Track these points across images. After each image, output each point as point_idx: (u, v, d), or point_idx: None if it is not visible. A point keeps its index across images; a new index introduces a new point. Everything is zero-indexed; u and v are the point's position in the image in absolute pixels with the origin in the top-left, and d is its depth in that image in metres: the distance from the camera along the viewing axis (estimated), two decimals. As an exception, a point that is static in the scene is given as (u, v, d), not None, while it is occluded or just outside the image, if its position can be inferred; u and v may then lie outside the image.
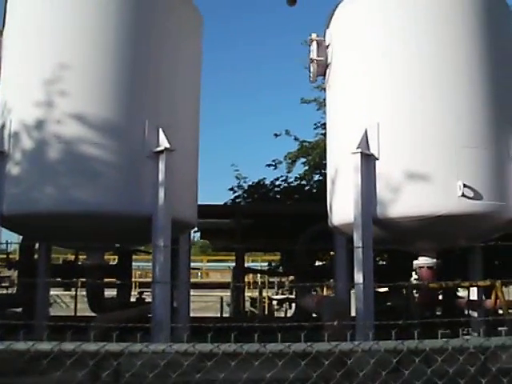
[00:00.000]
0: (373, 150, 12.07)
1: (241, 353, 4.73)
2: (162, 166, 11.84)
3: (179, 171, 12.29)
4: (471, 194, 11.70)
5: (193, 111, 13.79)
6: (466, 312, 14.95)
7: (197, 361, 5.09)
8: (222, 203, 24.36)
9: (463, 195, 11.60)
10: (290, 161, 26.79)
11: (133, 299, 16.56)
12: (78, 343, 4.61)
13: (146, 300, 15.53)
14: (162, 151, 11.86)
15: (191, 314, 15.62)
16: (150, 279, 14.19)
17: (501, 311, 12.56)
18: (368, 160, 12.01)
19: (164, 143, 11.86)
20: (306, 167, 26.16)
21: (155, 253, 11.78)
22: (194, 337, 6.55)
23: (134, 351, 4.69)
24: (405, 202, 11.71)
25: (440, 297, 14.99)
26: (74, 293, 26.33)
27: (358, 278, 11.71)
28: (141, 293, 16.95)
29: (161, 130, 11.97)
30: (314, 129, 27.07)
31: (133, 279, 20.59)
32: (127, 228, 12.13)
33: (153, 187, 11.78)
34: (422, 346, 4.70)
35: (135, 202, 11.79)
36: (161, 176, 11.81)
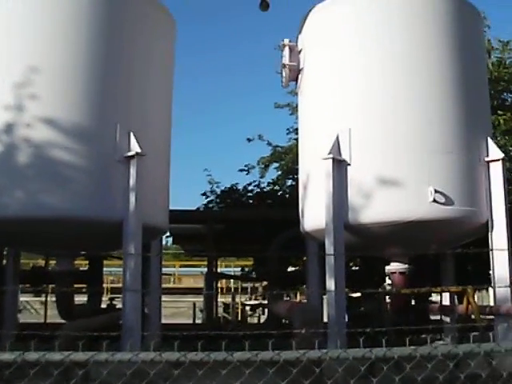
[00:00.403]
0: (344, 156, 12.08)
1: (208, 361, 4.67)
2: (133, 170, 11.73)
3: (150, 176, 12.21)
4: (442, 200, 11.74)
5: (165, 116, 13.70)
6: (439, 317, 15.02)
7: (166, 369, 5.03)
8: (195, 208, 24.30)
9: (434, 201, 11.65)
10: (262, 166, 26.81)
11: (104, 305, 16.42)
12: (42, 353, 4.52)
13: (117, 306, 15.40)
14: (133, 156, 11.75)
15: (163, 321, 15.52)
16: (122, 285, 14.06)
17: (473, 316, 12.60)
18: (339, 165, 12.01)
19: (135, 148, 11.76)
20: (279, 172, 26.19)
21: (126, 259, 11.68)
22: (165, 344, 6.48)
23: (99, 360, 4.61)
24: (376, 208, 11.73)
25: (413, 302, 15.02)
26: (44, 299, 26.09)
27: (330, 284, 11.70)
28: (112, 299, 16.82)
29: (132, 135, 11.87)
30: (287, 134, 27.13)
31: (104, 285, 20.47)
32: (98, 234, 12.00)
33: (124, 192, 11.67)
34: (391, 354, 4.66)
35: (106, 207, 11.67)
36: (132, 181, 11.70)
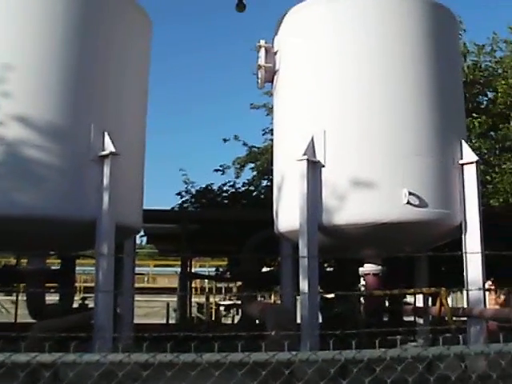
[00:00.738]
0: (319, 157, 12.08)
1: (177, 363, 4.63)
2: (106, 170, 11.68)
3: (124, 176, 12.14)
4: (416, 202, 11.79)
5: (140, 116, 13.62)
6: (413, 318, 15.06)
7: (135, 370, 4.98)
8: (169, 208, 24.23)
9: (408, 203, 11.70)
10: (238, 166, 26.80)
11: (76, 305, 16.28)
12: (8, 354, 4.45)
13: (90, 306, 15.28)
14: (107, 155, 11.70)
15: (136, 321, 15.43)
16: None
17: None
18: (314, 167, 12.02)
19: (109, 147, 11.70)
20: (255, 173, 26.19)
21: (98, 258, 11.60)
22: (137, 344, 6.43)
23: (67, 362, 4.55)
24: (350, 210, 11.75)
25: (387, 303, 15.06)
26: (15, 298, 25.84)
27: (304, 285, 11.69)
28: (84, 299, 16.68)
29: (106, 134, 11.80)
30: (263, 134, 27.18)
31: (78, 284, 20.32)
32: (71, 233, 11.91)
33: (97, 192, 11.62)
34: (360, 356, 4.65)
35: (79, 206, 11.59)
36: (105, 180, 11.65)
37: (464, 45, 26.11)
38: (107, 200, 11.54)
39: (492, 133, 23.89)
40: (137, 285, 31.69)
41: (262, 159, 24.97)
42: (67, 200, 11.51)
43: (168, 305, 27.92)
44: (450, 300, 36.46)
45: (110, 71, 12.57)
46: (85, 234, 11.60)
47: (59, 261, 15.41)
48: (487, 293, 29.86)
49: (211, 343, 5.01)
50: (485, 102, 25.82)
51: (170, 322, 26.10)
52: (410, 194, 11.71)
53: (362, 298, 13.79)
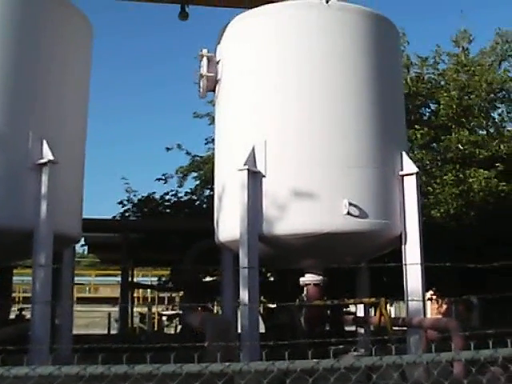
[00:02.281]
0: (260, 168, 12.08)
1: (109, 375, 4.56)
2: (45, 178, 11.51)
3: (63, 184, 11.98)
4: (357, 213, 11.84)
5: (80, 124, 13.46)
6: (354, 328, 15.12)
7: (67, 382, 4.89)
8: (110, 217, 23.98)
9: (348, 213, 11.75)
10: (181, 175, 26.69)
11: (13, 316, 15.99)
12: None
13: (27, 317, 15.02)
14: (45, 163, 11.52)
15: (76, 332, 15.21)
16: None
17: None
18: (255, 177, 12.01)
19: (48, 155, 11.53)
20: (198, 182, 26.11)
21: (35, 268, 11.40)
22: (75, 356, 6.31)
23: (-5, 375, 4.44)
24: (291, 220, 11.76)
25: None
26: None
27: (244, 295, 11.65)
28: (21, 309, 16.41)
29: (45, 142, 11.62)
30: (206, 144, 27.10)
31: (16, 294, 20.00)
32: (7, 242, 11.67)
33: (35, 200, 11.43)
34: (293, 367, 4.63)
35: (16, 215, 11.39)
36: (44, 189, 11.48)
37: (407, 57, 26.42)
38: (45, 209, 11.37)
39: (434, 144, 24.15)
40: (78, 295, 31.48)
41: (204, 168, 24.88)
42: (4, 208, 11.29)
43: (109, 315, 27.69)
44: (393, 310, 36.80)
45: (50, 78, 12.38)
46: (22, 243, 11.40)
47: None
48: (429, 302, 30.27)
49: (154, 353, 4.96)
50: (427, 114, 26.11)
51: (112, 332, 25.89)
52: (351, 204, 11.76)
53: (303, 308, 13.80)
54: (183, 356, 4.89)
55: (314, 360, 4.69)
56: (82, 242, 22.76)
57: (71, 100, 12.96)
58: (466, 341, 9.27)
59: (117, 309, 27.39)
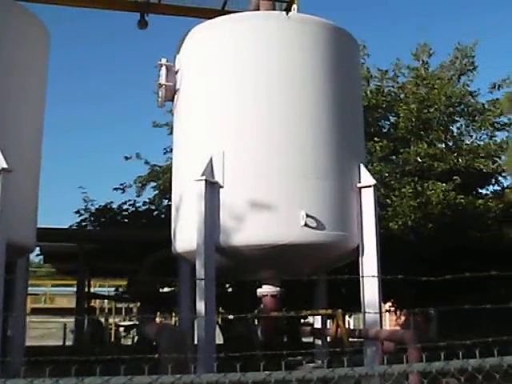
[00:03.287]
0: (217, 178, 12.01)
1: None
2: (-3, 186, 11.30)
3: (17, 192, 11.77)
4: (314, 224, 11.83)
5: (35, 132, 13.25)
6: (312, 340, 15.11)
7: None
8: (66, 227, 23.74)
9: (306, 225, 11.73)
10: (139, 185, 26.54)
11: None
12: None
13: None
14: (-1, 171, 11.33)
15: (29, 343, 14.98)
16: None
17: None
18: (212, 188, 11.94)
19: (1, 163, 11.34)
20: (156, 192, 25.96)
21: (-14, 278, 11.19)
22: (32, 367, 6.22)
23: None
24: (248, 231, 11.71)
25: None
26: None
27: (200, 306, 11.56)
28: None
29: (-1, 150, 11.44)
30: (164, 153, 27.00)
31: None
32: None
33: (-13, 208, 11.22)
34: (245, 379, 4.59)
35: (-33, 224, 11.18)
36: (-4, 197, 11.27)
37: (367, 69, 26.65)
38: (-3, 217, 11.17)
39: (393, 157, 24.33)
40: (33, 305, 31.14)
41: (163, 178, 24.74)
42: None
43: (65, 326, 27.43)
44: (352, 321, 36.86)
45: (5, 85, 12.20)
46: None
47: None
48: (387, 314, 30.40)
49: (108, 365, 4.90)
50: (387, 127, 26.33)
51: (67, 343, 25.65)
52: (308, 216, 11.74)
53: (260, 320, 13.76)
54: (136, 368, 4.83)
55: (266, 372, 4.66)
56: (38, 251, 22.56)
57: (27, 108, 12.76)
58: (421, 352, 9.30)
59: (73, 319, 27.15)
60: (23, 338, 13.81)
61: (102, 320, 28.32)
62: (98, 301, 32.76)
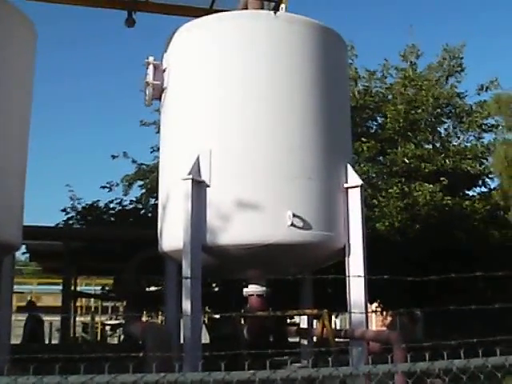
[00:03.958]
0: (204, 177, 11.99)
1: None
2: (-18, 184, 11.26)
3: (3, 191, 11.74)
4: (300, 224, 11.83)
5: (22, 131, 13.17)
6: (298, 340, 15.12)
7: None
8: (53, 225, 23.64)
9: (292, 225, 11.72)
10: (126, 183, 26.49)
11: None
12: None
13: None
14: (-17, 169, 11.29)
15: (14, 341, 14.92)
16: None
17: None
18: (199, 187, 11.91)
19: (-13, 161, 11.31)
20: (143, 190, 25.92)
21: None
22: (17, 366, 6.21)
23: None
24: (234, 230, 11.69)
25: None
26: None
27: (186, 305, 11.53)
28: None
29: (-17, 148, 11.39)
30: (151, 152, 26.98)
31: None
32: None
33: (-28, 207, 11.18)
34: (229, 378, 4.62)
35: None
36: (-19, 195, 11.23)
37: (355, 70, 26.67)
38: (-18, 215, 11.13)
39: (380, 157, 24.39)
40: (19, 304, 31.00)
41: (150, 177, 24.70)
42: None
43: (51, 324, 27.33)
44: (339, 322, 36.89)
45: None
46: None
47: None
48: (374, 315, 30.46)
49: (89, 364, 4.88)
50: (374, 127, 26.39)
51: (53, 342, 25.57)
52: (294, 216, 11.73)
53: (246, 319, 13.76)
54: (122, 366, 4.82)
55: (250, 371, 4.67)
56: (24, 249, 22.47)
57: (13, 107, 12.68)
58: (406, 353, 9.31)
59: (59, 318, 27.06)
60: (8, 336, 13.75)
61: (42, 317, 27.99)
62: (84, 299, 32.72)
